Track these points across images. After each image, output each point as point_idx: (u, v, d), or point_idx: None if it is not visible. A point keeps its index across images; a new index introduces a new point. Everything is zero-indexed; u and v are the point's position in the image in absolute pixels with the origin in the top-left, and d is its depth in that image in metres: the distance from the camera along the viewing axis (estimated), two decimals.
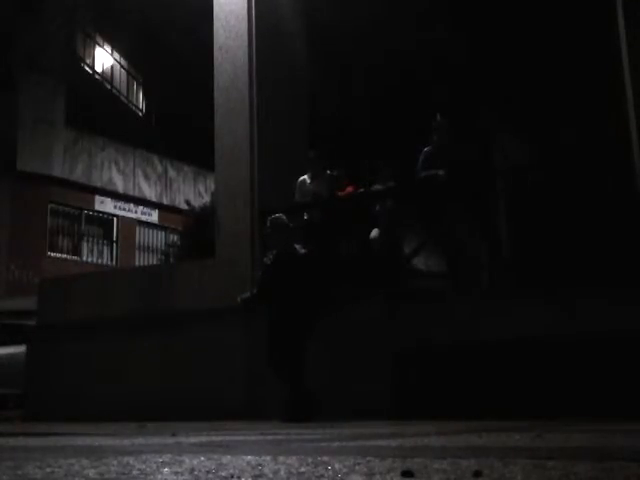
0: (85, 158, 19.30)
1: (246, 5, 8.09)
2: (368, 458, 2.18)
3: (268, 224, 6.33)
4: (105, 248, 20.00)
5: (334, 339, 6.63)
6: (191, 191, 21.55)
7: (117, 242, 20.17)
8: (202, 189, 21.71)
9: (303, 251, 6.25)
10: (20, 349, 9.35)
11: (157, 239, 20.99)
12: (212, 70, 8.18)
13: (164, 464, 2.14)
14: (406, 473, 1.77)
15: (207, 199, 16.43)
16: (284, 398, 5.94)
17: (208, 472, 1.92)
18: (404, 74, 8.97)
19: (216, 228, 7.92)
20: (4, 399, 10.05)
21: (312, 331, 6.05)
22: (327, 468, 1.94)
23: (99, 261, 19.64)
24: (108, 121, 19.62)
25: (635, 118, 6.15)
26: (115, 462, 2.22)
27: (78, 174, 19.06)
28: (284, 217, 6.34)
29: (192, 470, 1.97)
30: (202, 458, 2.29)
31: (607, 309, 5.55)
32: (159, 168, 21.37)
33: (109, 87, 21.82)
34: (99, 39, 21.64)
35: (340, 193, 7.64)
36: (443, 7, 8.72)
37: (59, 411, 7.83)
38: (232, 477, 1.82)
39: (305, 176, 7.69)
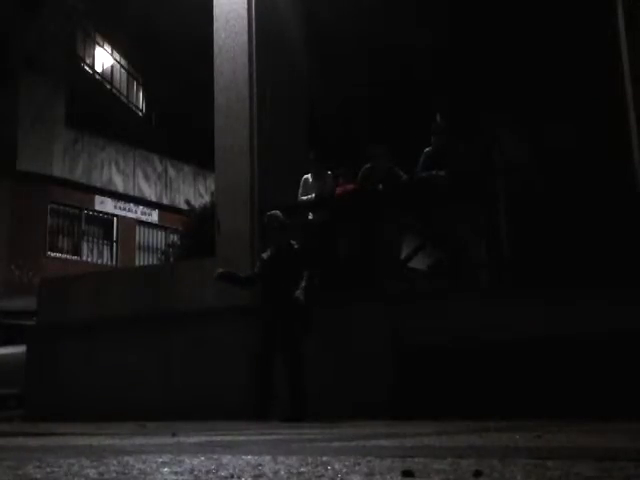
0: (85, 158, 19.28)
1: (246, 5, 8.09)
2: (368, 458, 2.18)
3: (265, 220, 6.49)
4: (105, 248, 19.98)
5: (334, 339, 6.63)
6: (191, 191, 21.54)
7: (117, 242, 20.15)
8: (202, 189, 21.69)
9: (297, 247, 6.38)
10: (20, 349, 9.35)
11: (157, 239, 20.97)
12: (212, 70, 8.18)
13: (164, 464, 2.14)
14: (406, 473, 1.77)
15: (207, 199, 16.41)
16: (259, 398, 6.04)
17: (208, 472, 1.92)
18: (404, 74, 8.97)
19: (216, 228, 7.92)
20: (4, 399, 10.04)
21: (309, 330, 6.06)
22: (327, 468, 1.94)
23: (99, 261, 19.61)
24: (108, 121, 19.60)
25: (635, 118, 6.15)
26: (115, 462, 2.22)
27: (78, 174, 19.05)
28: (280, 214, 6.49)
29: (192, 470, 1.97)
30: (202, 458, 2.29)
31: (607, 309, 5.55)
32: (159, 168, 21.35)
33: (109, 87, 21.82)
34: (99, 39, 21.63)
35: (339, 189, 7.65)
36: (443, 6, 8.72)
37: (59, 411, 7.83)
38: (232, 477, 1.82)
39: (308, 175, 7.71)
